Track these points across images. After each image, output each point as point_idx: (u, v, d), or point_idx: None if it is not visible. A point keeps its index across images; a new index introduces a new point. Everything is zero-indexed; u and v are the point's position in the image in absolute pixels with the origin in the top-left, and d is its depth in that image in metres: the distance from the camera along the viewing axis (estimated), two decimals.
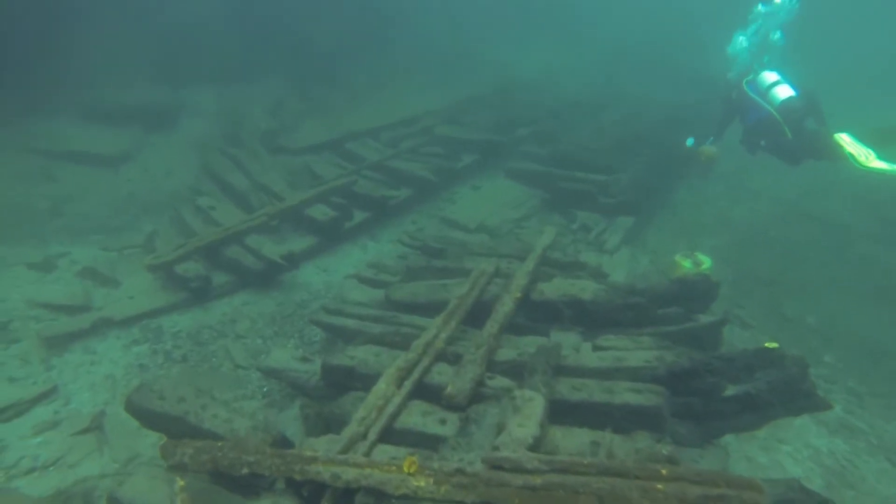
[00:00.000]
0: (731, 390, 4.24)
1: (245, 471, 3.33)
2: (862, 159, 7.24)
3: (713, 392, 4.25)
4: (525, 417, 3.49)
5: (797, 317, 7.66)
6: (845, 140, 7.40)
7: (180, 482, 3.23)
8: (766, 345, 4.28)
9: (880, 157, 7.27)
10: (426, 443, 3.81)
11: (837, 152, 7.42)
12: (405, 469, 3.23)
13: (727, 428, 4.34)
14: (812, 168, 11.60)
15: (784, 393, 4.12)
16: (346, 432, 3.71)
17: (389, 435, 3.86)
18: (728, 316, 5.10)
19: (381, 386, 4.08)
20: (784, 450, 5.39)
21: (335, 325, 5.70)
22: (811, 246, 9.80)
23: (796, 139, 7.84)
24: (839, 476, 5.24)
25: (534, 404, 3.58)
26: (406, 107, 12.05)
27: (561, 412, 4.05)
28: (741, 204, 11.03)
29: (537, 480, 3.01)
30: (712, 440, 4.44)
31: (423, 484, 3.14)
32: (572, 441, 3.62)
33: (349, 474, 3.24)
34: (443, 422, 3.93)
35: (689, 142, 9.33)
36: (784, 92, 8.01)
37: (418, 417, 3.98)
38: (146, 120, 9.62)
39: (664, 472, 2.95)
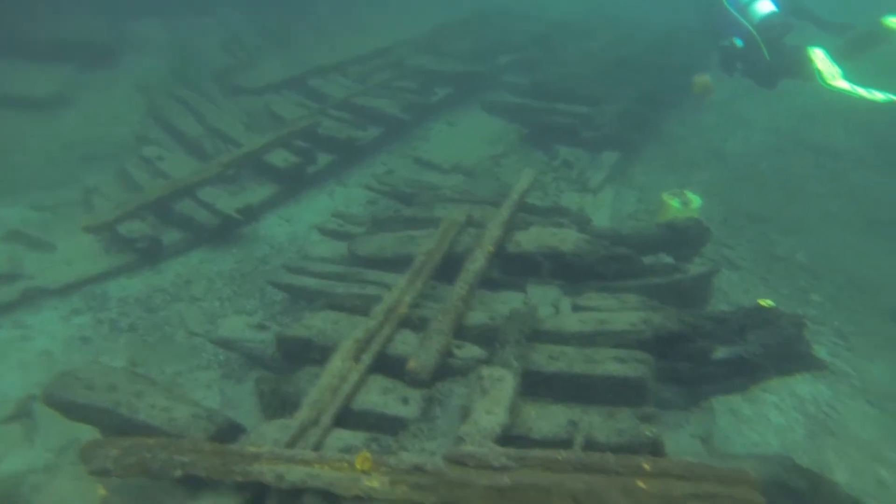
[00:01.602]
0: (721, 352, 3.90)
1: (178, 473, 2.95)
2: (828, 77, 6.78)
3: (702, 356, 3.91)
4: (493, 402, 3.11)
5: (787, 255, 7.32)
6: (817, 55, 6.89)
7: (101, 491, 2.85)
8: (760, 302, 3.90)
9: (846, 76, 6.82)
10: (386, 425, 3.45)
11: (808, 68, 6.93)
12: (358, 466, 2.87)
13: (716, 391, 4.04)
14: (807, 92, 11.00)
15: (778, 355, 3.78)
16: (298, 418, 3.33)
17: (346, 418, 3.50)
18: (717, 266, 4.70)
19: (335, 363, 3.67)
20: (769, 400, 5.16)
21: (295, 285, 5.25)
22: (804, 178, 9.38)
23: (774, 60, 7.24)
24: (821, 424, 5.05)
25: (503, 386, 3.20)
26: (376, 37, 11.09)
27: (537, 384, 3.70)
28: (734, 135, 10.47)
29: (505, 480, 2.66)
30: (699, 403, 4.16)
31: (376, 485, 2.78)
32: (548, 421, 3.27)
33: (295, 474, 2.87)
34: (405, 401, 3.56)
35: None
36: (765, 7, 7.33)
37: (378, 396, 3.60)
38: (83, 57, 8.64)
39: (647, 466, 2.61)
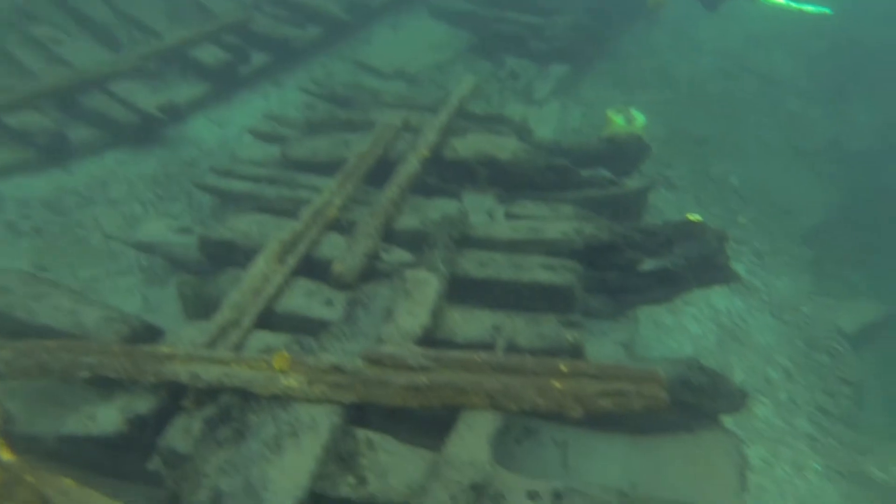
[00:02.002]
0: (648, 263, 3.98)
1: (85, 374, 2.82)
2: None
3: (630, 266, 3.97)
4: (415, 304, 3.07)
5: (721, 178, 7.49)
6: None
7: None
8: (689, 217, 3.96)
9: None
10: (310, 328, 3.37)
11: None
12: (276, 366, 2.81)
13: (640, 301, 4.15)
14: (757, 15, 10.93)
15: (700, 267, 3.89)
16: (217, 320, 3.21)
17: (269, 320, 3.40)
18: (654, 182, 4.73)
19: (259, 265, 3.53)
20: (689, 312, 5.42)
21: (224, 188, 4.95)
22: (746, 103, 9.48)
23: None
24: (730, 333, 5.40)
25: (427, 288, 3.15)
26: None
27: (465, 290, 3.68)
28: (683, 56, 10.35)
29: (423, 379, 2.66)
30: (625, 312, 4.28)
31: (294, 384, 2.74)
32: (472, 325, 3.28)
33: (211, 373, 2.79)
34: (329, 303, 3.48)
35: None
36: None
37: (301, 299, 3.51)
38: None
39: (563, 368, 2.66)
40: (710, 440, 3.27)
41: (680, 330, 5.11)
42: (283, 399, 2.74)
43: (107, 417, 2.71)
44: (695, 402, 3.19)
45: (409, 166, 4.40)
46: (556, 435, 3.40)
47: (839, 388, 5.13)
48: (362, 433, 2.73)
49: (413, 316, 3.00)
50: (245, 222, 4.03)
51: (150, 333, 3.37)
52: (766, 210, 7.30)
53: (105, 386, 2.97)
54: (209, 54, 6.74)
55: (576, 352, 3.13)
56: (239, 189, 4.80)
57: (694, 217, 3.93)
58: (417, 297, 3.10)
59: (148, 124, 5.92)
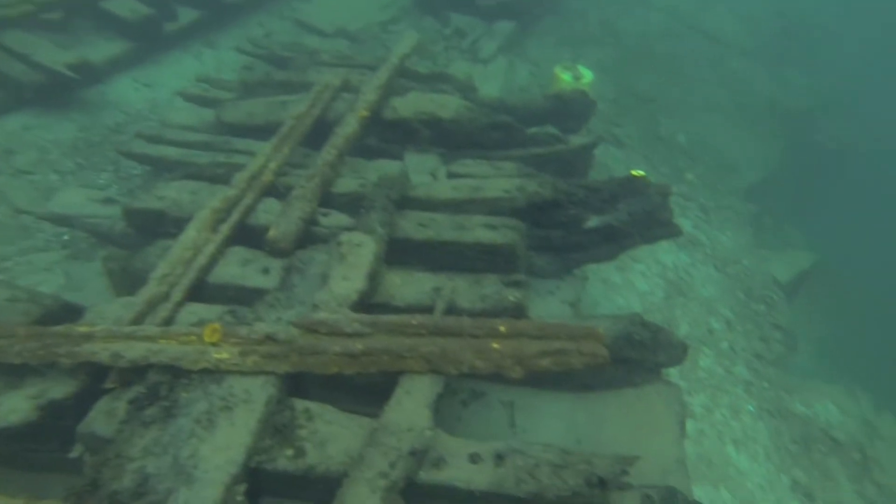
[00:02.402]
0: (592, 220, 3.96)
1: None
2: None
3: (574, 224, 3.95)
4: (351, 268, 2.96)
5: (669, 136, 7.56)
6: None
7: None
8: (633, 172, 3.93)
9: None
10: (246, 298, 3.24)
11: None
12: (206, 339, 2.67)
13: (586, 259, 4.14)
14: None
15: (644, 223, 3.89)
16: (144, 294, 3.03)
17: (201, 292, 3.24)
18: (599, 139, 4.69)
19: (189, 234, 3.34)
20: (637, 268, 5.50)
21: (152, 155, 4.65)
22: (693, 62, 9.56)
23: None
24: (676, 287, 5.52)
25: (363, 251, 3.04)
26: None
27: (406, 252, 3.59)
28: (633, 14, 10.31)
29: (358, 346, 2.58)
30: (571, 270, 4.28)
31: (226, 356, 2.61)
32: (412, 288, 3.20)
33: (135, 351, 2.63)
34: (265, 271, 3.34)
35: None
36: None
37: (236, 268, 3.35)
38: None
39: (503, 328, 2.62)
40: (652, 393, 3.32)
41: (628, 287, 5.18)
42: (215, 373, 2.61)
43: (13, 407, 2.52)
44: (637, 356, 3.22)
45: (348, 127, 4.22)
46: (503, 396, 3.40)
47: (773, 334, 5.35)
48: (300, 403, 2.65)
49: (348, 281, 2.90)
50: (175, 190, 3.80)
51: (69, 313, 3.16)
52: (712, 167, 7.44)
53: (16, 374, 2.78)
54: (125, 7, 6.23)
55: (518, 312, 3.10)
56: (170, 156, 4.54)
57: (637, 173, 3.92)
58: (353, 261, 2.99)
59: (57, 84, 5.42)
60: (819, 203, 7.19)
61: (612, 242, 4.01)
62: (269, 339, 2.64)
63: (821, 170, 7.75)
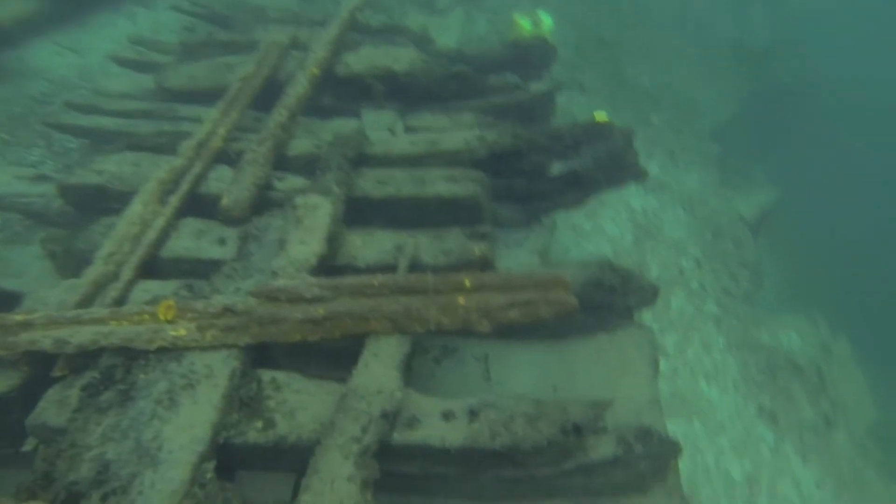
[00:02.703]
0: (556, 167, 3.88)
1: None
2: None
3: (538, 172, 3.86)
4: (308, 232, 2.83)
5: (633, 80, 7.46)
6: None
7: None
8: (596, 116, 3.84)
9: None
10: (204, 271, 3.09)
11: None
12: (161, 317, 2.55)
13: (552, 206, 4.08)
14: None
15: (609, 167, 3.83)
16: (89, 275, 2.87)
17: (155, 268, 3.09)
18: (559, 85, 4.56)
19: (135, 208, 3.16)
20: (606, 214, 5.48)
21: (87, 126, 4.37)
22: (657, 5, 9.38)
23: None
24: (646, 230, 5.53)
25: (319, 213, 2.92)
26: None
27: (366, 212, 3.47)
28: None
29: (320, 311, 2.49)
30: (538, 219, 4.22)
31: (183, 332, 2.50)
32: (373, 248, 3.10)
33: (82, 336, 2.49)
34: (222, 242, 3.19)
35: None
36: None
37: (190, 240, 3.19)
38: None
39: (467, 282, 2.54)
40: (624, 337, 3.32)
41: (598, 232, 5.17)
42: (174, 351, 2.50)
43: None
44: (608, 301, 3.20)
45: (298, 87, 4.01)
46: (476, 350, 3.36)
47: (741, 271, 5.43)
48: (267, 374, 2.57)
49: (306, 245, 2.78)
50: (115, 163, 3.59)
51: (7, 301, 2.97)
52: (677, 109, 7.38)
53: None
54: None
55: (484, 264, 3.03)
56: (106, 126, 4.26)
57: (600, 116, 3.82)
58: (309, 225, 2.87)
59: None
60: (781, 141, 7.24)
61: (578, 189, 3.95)
62: (228, 311, 2.53)
63: (783, 108, 7.79)
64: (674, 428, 3.91)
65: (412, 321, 2.48)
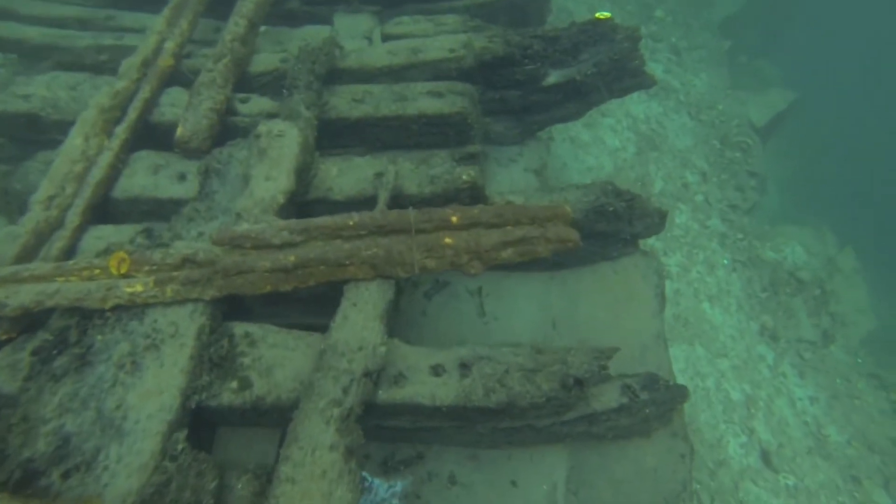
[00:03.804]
0: (553, 76, 3.45)
1: None
2: None
3: (533, 81, 3.44)
4: (273, 165, 2.49)
5: None
6: None
7: None
8: (597, 16, 3.35)
9: None
10: (165, 211, 2.78)
11: None
12: (113, 271, 2.26)
13: (549, 120, 3.69)
14: None
15: (612, 74, 3.40)
16: (27, 223, 2.55)
17: (107, 211, 2.77)
18: None
19: (74, 141, 2.78)
20: (606, 123, 5.06)
21: (5, 37, 3.76)
22: None
23: None
24: (649, 140, 5.15)
25: (286, 143, 2.55)
26: None
27: (341, 134, 3.11)
28: None
29: (290, 258, 2.20)
30: (533, 133, 3.84)
31: (139, 288, 2.23)
32: (351, 177, 2.76)
33: (22, 297, 2.22)
34: (182, 177, 2.85)
35: None
36: None
37: (146, 177, 2.84)
38: None
39: (454, 218, 2.24)
40: (629, 266, 3.08)
41: (598, 144, 4.79)
42: (133, 308, 2.25)
43: None
44: (612, 229, 2.92)
45: None
46: (470, 283, 3.14)
47: (748, 181, 5.11)
48: (240, 328, 2.33)
49: (271, 181, 2.44)
50: (45, 86, 3.14)
51: None
52: (684, 1, 6.70)
53: None
54: None
55: (475, 192, 2.71)
56: (31, 38, 3.66)
57: (602, 15, 3.34)
58: (275, 156, 2.51)
59: None
60: (799, 33, 6.61)
61: (577, 99, 3.54)
62: (188, 261, 2.25)
63: None
64: (676, 352, 3.80)
65: (394, 266, 2.21)
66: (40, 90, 3.07)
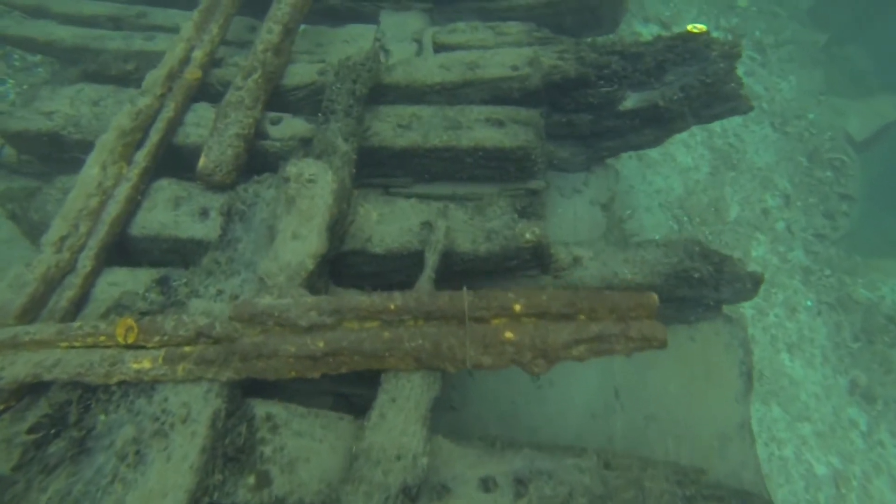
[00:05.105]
0: (632, 100, 2.97)
1: None
2: None
3: (608, 105, 2.98)
4: (302, 218, 2.13)
5: None
6: None
7: None
8: (689, 28, 2.84)
9: None
10: (184, 252, 2.49)
11: None
12: (120, 339, 1.98)
13: (623, 147, 3.23)
14: None
15: (701, 98, 2.90)
16: (37, 267, 2.28)
17: (126, 249, 2.49)
18: None
19: (91, 171, 2.48)
20: (678, 138, 4.51)
21: (36, 39, 3.45)
22: None
23: None
24: (725, 157, 4.57)
25: (318, 191, 2.18)
26: None
27: (385, 162, 2.74)
28: None
29: (320, 344, 1.87)
30: (602, 161, 3.40)
31: (147, 364, 1.94)
32: (394, 225, 2.40)
33: (20, 368, 1.96)
34: (203, 214, 2.53)
35: None
36: None
37: (165, 212, 2.54)
38: None
39: (517, 306, 1.86)
40: (710, 333, 2.65)
41: (667, 161, 4.27)
42: (142, 383, 1.97)
43: None
44: (695, 295, 2.49)
45: None
46: None
47: (839, 206, 4.50)
48: (261, 408, 2.03)
49: (299, 240, 2.09)
50: (69, 101, 2.85)
51: None
52: None
53: None
54: None
55: (539, 254, 2.32)
56: (62, 39, 3.37)
57: (696, 28, 2.83)
58: (305, 208, 2.15)
59: None
60: None
61: (657, 125, 3.06)
62: (203, 335, 1.94)
63: None
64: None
65: (442, 360, 1.85)
66: (64, 107, 2.79)
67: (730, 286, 2.47)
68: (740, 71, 5.00)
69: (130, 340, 1.98)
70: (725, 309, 2.71)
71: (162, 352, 1.95)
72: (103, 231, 2.40)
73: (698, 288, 2.45)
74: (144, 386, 1.98)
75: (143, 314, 2.09)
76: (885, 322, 3.99)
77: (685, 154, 4.36)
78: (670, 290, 2.44)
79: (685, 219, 3.86)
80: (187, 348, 1.95)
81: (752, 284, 2.49)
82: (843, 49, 5.41)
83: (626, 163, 4.06)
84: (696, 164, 4.32)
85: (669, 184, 4.11)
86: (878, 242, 4.38)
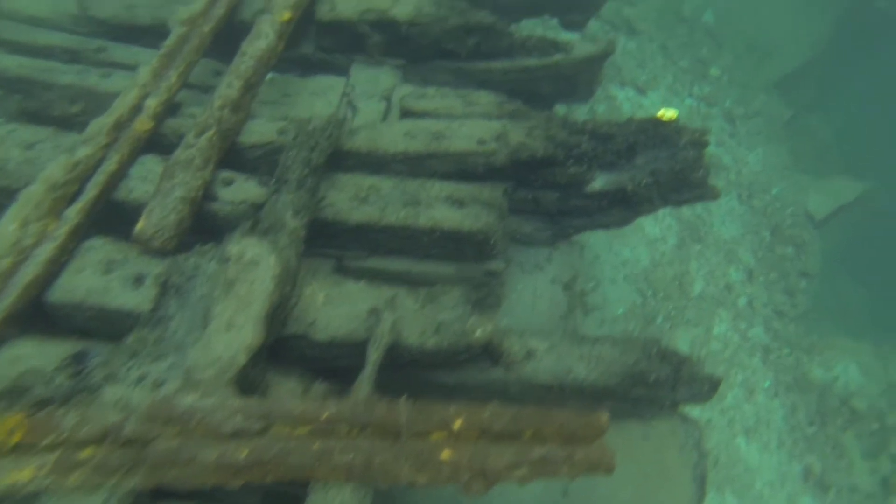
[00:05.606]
0: (600, 181, 2.92)
1: None
2: None
3: (575, 185, 2.91)
4: (240, 306, 1.97)
5: (694, 15, 6.07)
6: None
7: None
8: (661, 114, 2.82)
9: None
10: (112, 322, 2.29)
11: None
12: (2, 440, 1.77)
13: (588, 225, 3.16)
14: None
15: (670, 184, 2.86)
16: None
17: (41, 318, 2.28)
18: (611, 46, 3.43)
19: (7, 228, 2.28)
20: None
21: None
22: None
23: None
24: (692, 228, 4.57)
25: (258, 276, 2.04)
26: None
27: (338, 235, 2.61)
28: None
29: (243, 452, 1.70)
30: (567, 237, 3.32)
31: (27, 476, 1.72)
32: (340, 310, 2.25)
33: None
34: (138, 281, 2.35)
35: None
36: None
37: (94, 277, 2.35)
38: None
39: (457, 423, 1.73)
40: (664, 432, 2.56)
41: (635, 232, 4.23)
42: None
43: None
44: (650, 395, 2.40)
45: (260, 41, 2.95)
46: None
47: (799, 283, 4.52)
48: None
49: (234, 330, 1.93)
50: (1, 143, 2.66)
51: None
52: (743, 54, 6.08)
53: None
54: None
55: (488, 350, 2.20)
56: (8, 68, 3.18)
57: (667, 114, 2.80)
58: (243, 294, 2.00)
59: None
60: (871, 91, 5.80)
61: (626, 207, 3.00)
62: (110, 436, 1.75)
63: (882, 45, 6.11)
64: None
65: (374, 475, 1.70)
66: None
67: (687, 388, 2.39)
68: (711, 141, 5.06)
69: (15, 441, 1.76)
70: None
71: (54, 455, 1.74)
72: (11, 297, 2.19)
73: (655, 389, 2.36)
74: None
75: (42, 403, 1.88)
76: (839, 404, 3.99)
77: (653, 225, 4.33)
78: (626, 390, 2.35)
79: (649, 293, 3.83)
80: (87, 451, 1.75)
81: (709, 387, 2.41)
82: (808, 124, 5.54)
83: (593, 233, 4.00)
84: (663, 234, 4.30)
85: (636, 255, 4.06)
86: (834, 320, 4.41)
